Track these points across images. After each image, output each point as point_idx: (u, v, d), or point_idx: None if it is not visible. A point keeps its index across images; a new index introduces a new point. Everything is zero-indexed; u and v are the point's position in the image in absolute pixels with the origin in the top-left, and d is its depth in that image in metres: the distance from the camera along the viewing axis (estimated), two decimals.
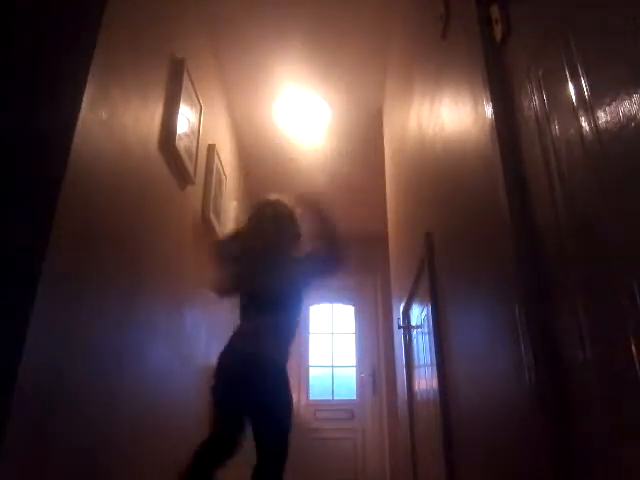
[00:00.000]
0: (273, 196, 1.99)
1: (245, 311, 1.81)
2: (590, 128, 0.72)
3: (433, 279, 1.76)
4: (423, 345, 2.02)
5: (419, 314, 2.11)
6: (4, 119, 1.23)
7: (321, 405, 4.52)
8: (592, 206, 0.72)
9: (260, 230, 1.89)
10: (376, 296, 4.83)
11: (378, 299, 4.79)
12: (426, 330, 1.91)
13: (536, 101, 0.91)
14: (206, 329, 2.62)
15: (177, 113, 2.01)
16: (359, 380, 4.65)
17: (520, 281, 0.92)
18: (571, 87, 0.78)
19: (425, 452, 2.04)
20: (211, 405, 1.68)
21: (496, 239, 1.06)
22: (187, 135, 2.17)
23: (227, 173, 3.10)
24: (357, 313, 4.94)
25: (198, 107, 2.38)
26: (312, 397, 4.54)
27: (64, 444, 1.19)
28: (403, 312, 2.52)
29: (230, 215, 3.21)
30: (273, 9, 2.69)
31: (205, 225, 2.58)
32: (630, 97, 0.62)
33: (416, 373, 2.26)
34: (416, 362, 2.25)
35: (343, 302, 5.00)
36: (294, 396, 1.77)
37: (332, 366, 4.74)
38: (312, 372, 4.66)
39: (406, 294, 2.37)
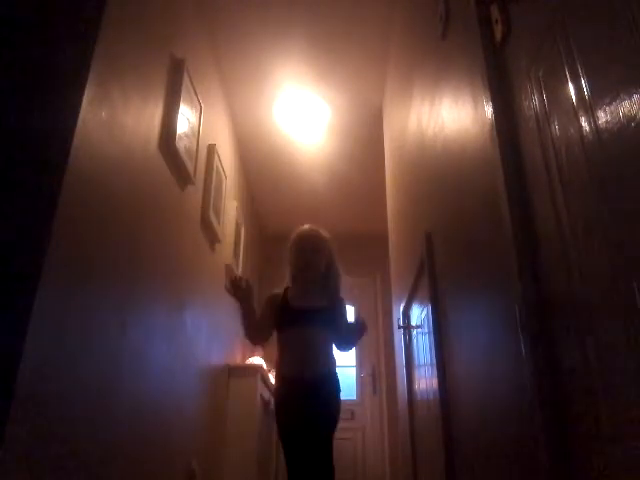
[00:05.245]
0: (306, 226, 1.83)
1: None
2: (590, 128, 0.72)
3: (433, 279, 1.76)
4: (423, 345, 2.02)
5: (419, 314, 2.11)
6: (4, 119, 1.23)
7: None
8: (592, 206, 0.72)
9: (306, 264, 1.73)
10: (376, 296, 4.82)
11: (378, 299, 4.78)
12: (426, 330, 1.91)
13: (536, 101, 0.91)
14: (206, 329, 2.62)
15: (177, 113, 2.01)
16: (359, 380, 4.65)
17: (520, 281, 0.92)
18: (571, 87, 0.78)
19: (425, 452, 2.04)
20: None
21: (496, 239, 1.06)
22: (187, 135, 2.17)
23: (227, 173, 3.09)
24: (357, 313, 4.94)
25: (198, 107, 2.38)
26: None
27: (64, 445, 1.19)
28: (403, 312, 2.52)
29: (230, 215, 3.21)
30: (273, 9, 2.69)
31: (205, 225, 2.58)
32: (630, 97, 0.62)
33: (416, 373, 2.25)
34: (416, 362, 2.25)
35: None
36: None
37: None
38: None
39: (406, 294, 2.37)
